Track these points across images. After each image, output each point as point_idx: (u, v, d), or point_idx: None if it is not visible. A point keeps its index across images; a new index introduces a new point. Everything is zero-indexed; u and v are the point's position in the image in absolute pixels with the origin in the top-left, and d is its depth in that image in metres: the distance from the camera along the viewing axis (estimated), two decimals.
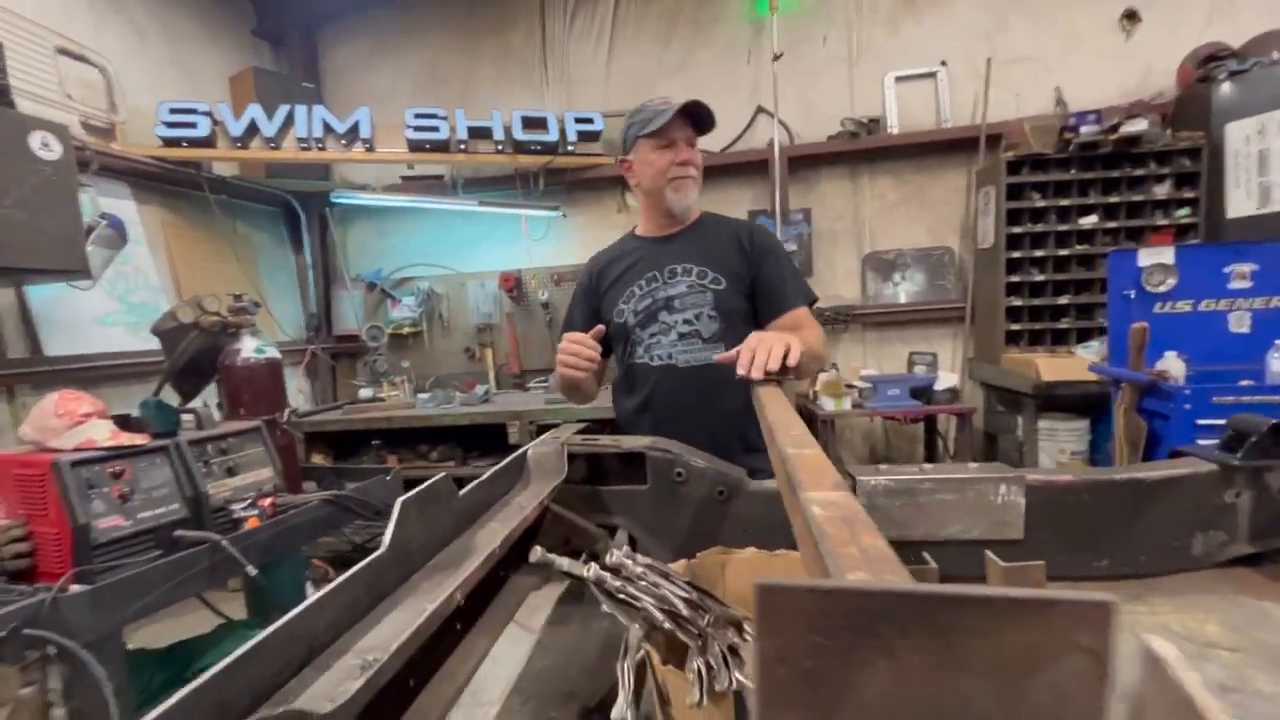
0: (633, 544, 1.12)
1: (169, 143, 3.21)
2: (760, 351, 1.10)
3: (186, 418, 1.88)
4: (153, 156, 3.21)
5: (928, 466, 1.09)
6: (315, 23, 4.44)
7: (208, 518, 1.72)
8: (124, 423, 1.78)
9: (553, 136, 3.68)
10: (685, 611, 0.70)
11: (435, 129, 3.56)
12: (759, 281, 1.54)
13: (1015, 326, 3.32)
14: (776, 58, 3.68)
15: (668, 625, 0.68)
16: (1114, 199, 3.20)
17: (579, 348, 1.37)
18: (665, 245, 1.60)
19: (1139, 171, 3.16)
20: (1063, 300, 3.28)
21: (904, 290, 3.88)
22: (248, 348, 2.08)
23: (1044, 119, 3.28)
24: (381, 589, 0.64)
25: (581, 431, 1.26)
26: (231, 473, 1.83)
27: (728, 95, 4.00)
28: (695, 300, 1.53)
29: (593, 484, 1.17)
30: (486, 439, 3.51)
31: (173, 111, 3.20)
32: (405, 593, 0.65)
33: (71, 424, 1.58)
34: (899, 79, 3.79)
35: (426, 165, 3.92)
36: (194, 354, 2.05)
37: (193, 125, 3.22)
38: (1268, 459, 1.04)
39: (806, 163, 3.87)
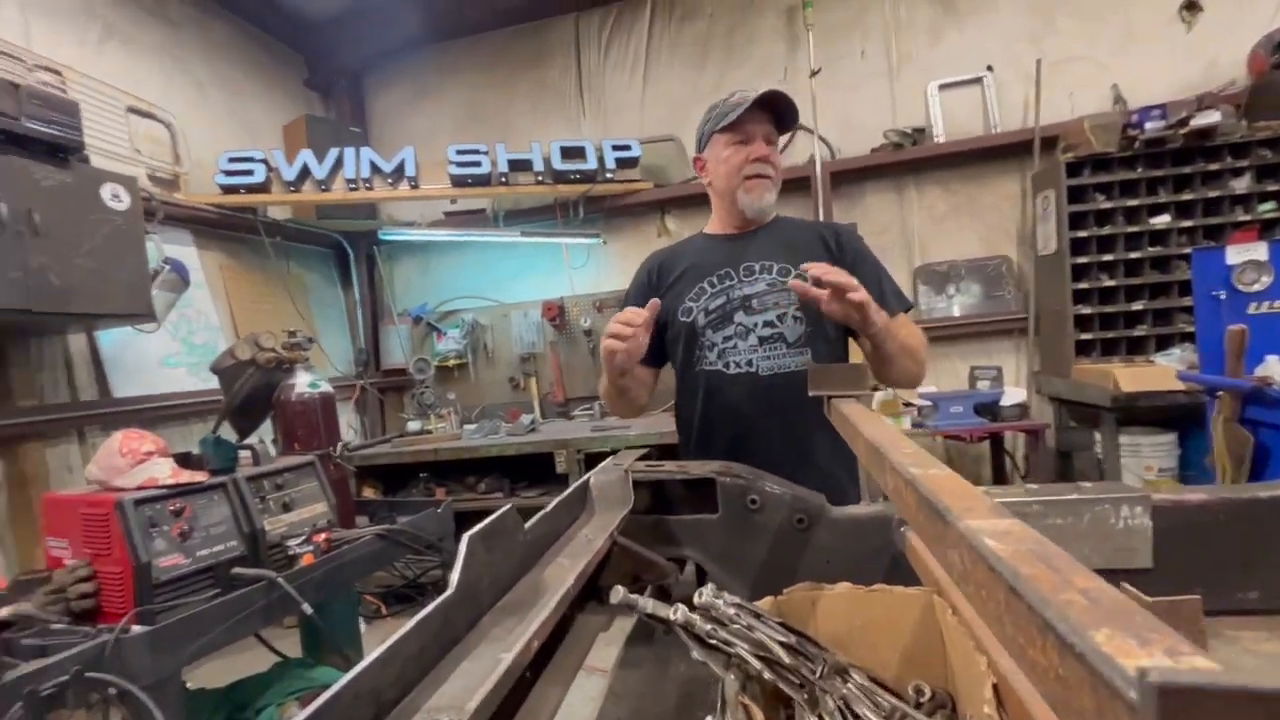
0: (702, 577, 1.04)
1: (227, 190, 3.35)
2: (830, 274, 1.08)
3: (244, 454, 1.90)
4: (212, 204, 3.35)
5: (1033, 486, 0.98)
6: (361, 71, 4.63)
7: (264, 554, 1.71)
8: (184, 460, 1.80)
9: (591, 165, 3.70)
10: (787, 659, 0.61)
11: (477, 163, 3.62)
12: None
13: (1085, 336, 3.13)
14: (814, 74, 3.64)
15: (768, 675, 0.60)
16: (1187, 196, 3.01)
17: (631, 316, 1.18)
18: (739, 241, 1.46)
19: (1214, 166, 2.97)
20: (1137, 306, 3.08)
21: (959, 303, 3.71)
22: (302, 383, 2.10)
23: (1104, 117, 3.13)
24: (452, 635, 0.58)
25: (643, 457, 1.20)
26: (287, 508, 1.83)
27: None
28: (778, 299, 1.38)
29: (658, 513, 1.09)
30: (533, 469, 3.48)
31: (231, 160, 3.34)
32: (476, 639, 0.59)
33: (135, 462, 1.59)
34: (943, 87, 3.70)
35: (469, 200, 3.99)
36: (251, 390, 2.08)
37: (249, 172, 3.36)
38: None
39: (849, 177, 3.79)
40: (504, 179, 3.68)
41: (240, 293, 3.65)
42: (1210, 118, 2.86)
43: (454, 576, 0.60)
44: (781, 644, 0.64)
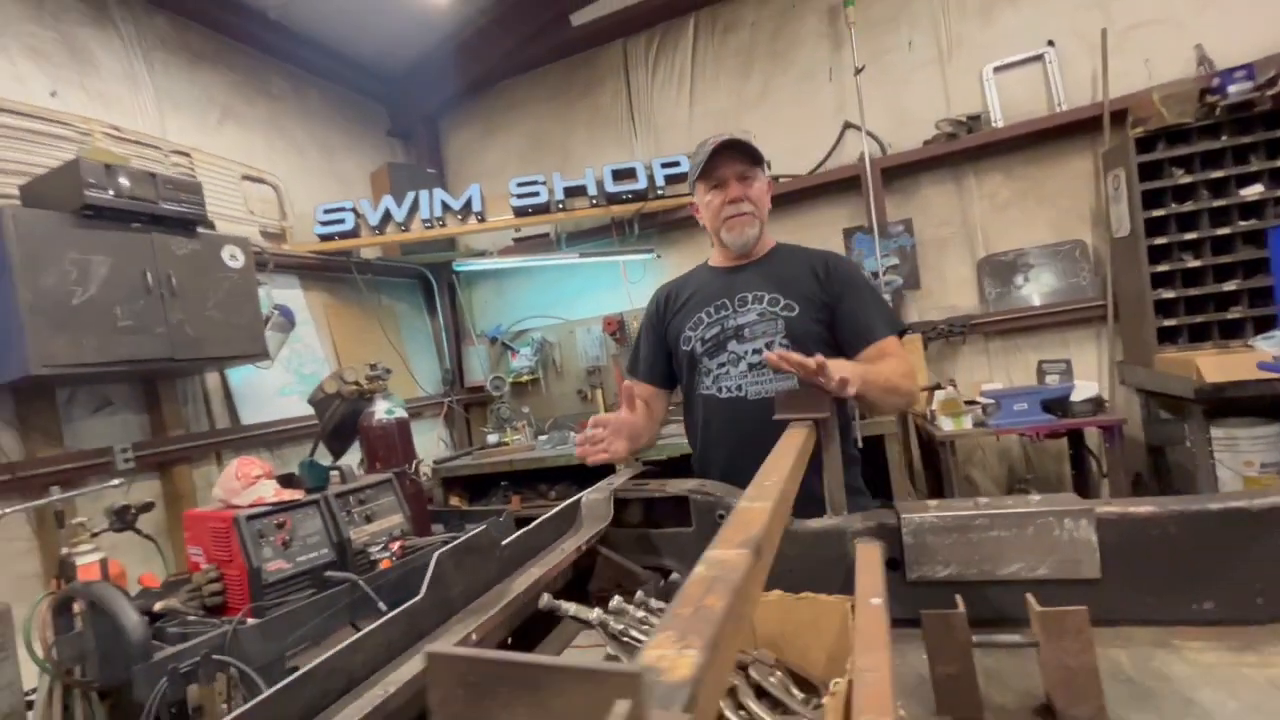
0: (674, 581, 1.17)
1: (324, 238, 3.82)
2: (789, 357, 1.11)
3: (334, 474, 2.23)
4: (312, 251, 3.84)
5: (983, 500, 1.04)
6: (436, 115, 5.07)
7: (350, 560, 2.01)
8: (287, 481, 2.14)
9: (641, 184, 3.87)
10: None
11: (536, 194, 3.89)
12: (840, 313, 1.49)
13: (1170, 322, 2.89)
14: (858, 71, 3.61)
15: None
16: None
17: (601, 420, 1.36)
18: (736, 274, 1.58)
19: None
20: (1230, 286, 2.81)
21: (1030, 292, 3.53)
22: (380, 410, 2.42)
23: (1175, 85, 2.89)
24: (420, 631, 0.76)
25: (639, 475, 1.34)
26: (369, 519, 2.12)
27: (813, 116, 3.96)
28: (766, 328, 1.49)
29: (646, 527, 1.23)
30: (600, 475, 3.67)
31: (325, 212, 3.81)
32: (440, 634, 0.77)
33: (247, 485, 1.94)
34: (998, 69, 3.54)
35: (532, 227, 4.28)
36: (340, 419, 2.42)
37: (341, 220, 3.81)
38: None
39: (902, 171, 3.71)
40: (561, 205, 3.93)
41: (341, 326, 4.14)
42: None
43: (423, 587, 0.78)
44: None
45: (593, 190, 3.91)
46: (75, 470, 2.61)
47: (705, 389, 1.54)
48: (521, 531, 1.02)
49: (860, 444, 1.61)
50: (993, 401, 2.97)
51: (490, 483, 4.00)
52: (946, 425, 3.03)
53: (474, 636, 0.73)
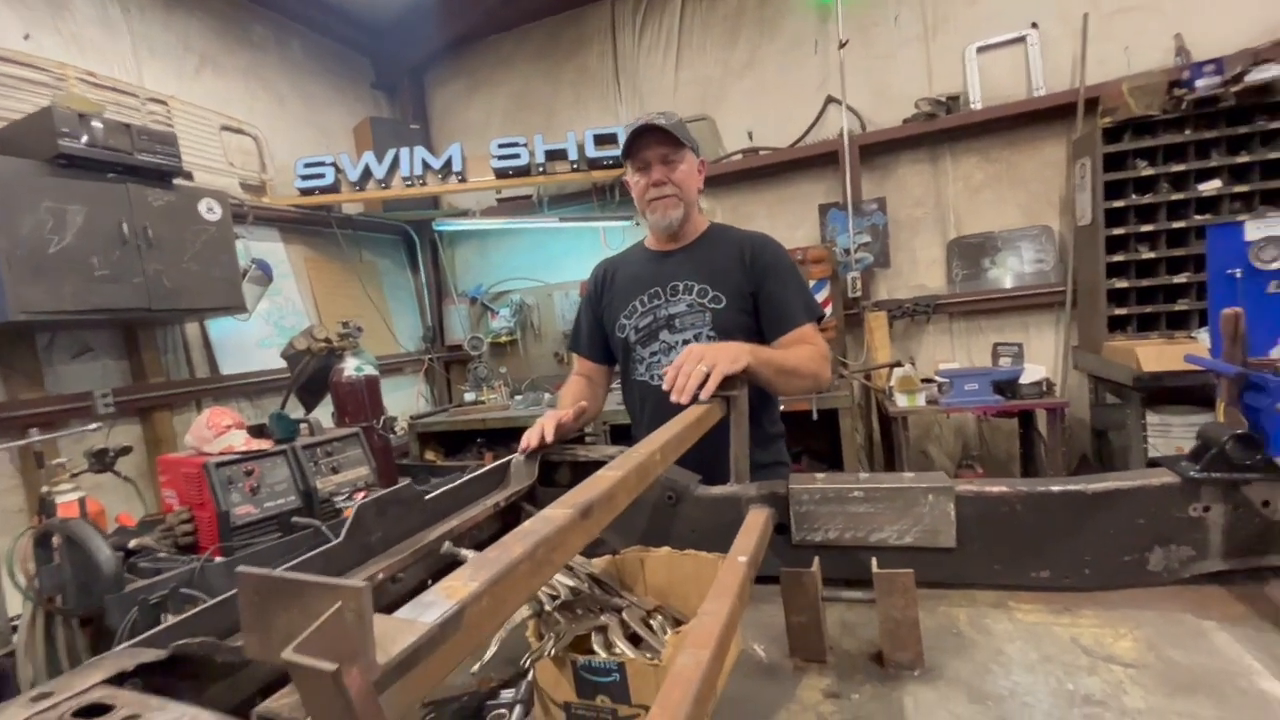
0: (600, 541, 1.29)
1: (304, 192, 3.84)
2: (681, 377, 1.19)
3: (304, 426, 2.34)
4: (293, 205, 3.86)
5: (863, 475, 1.15)
6: (421, 69, 5.01)
7: (317, 507, 2.14)
8: (259, 431, 2.25)
9: (621, 151, 3.88)
10: (564, 596, 0.86)
11: (517, 155, 3.91)
12: (761, 298, 1.54)
13: (1121, 311, 3.00)
14: (842, 45, 3.60)
15: (548, 607, 0.85)
16: (1244, 159, 2.78)
17: (536, 433, 1.34)
18: (670, 259, 1.62)
19: (1276, 124, 2.72)
20: (1180, 279, 2.91)
21: (996, 275, 3.62)
22: (350, 367, 2.51)
23: (1145, 77, 2.91)
24: (337, 570, 0.87)
25: (571, 440, 1.45)
26: (335, 471, 2.25)
27: (796, 88, 3.96)
28: (694, 320, 1.56)
29: (573, 486, 1.35)
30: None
31: (306, 166, 3.82)
32: (356, 573, 0.88)
33: (217, 434, 2.04)
34: (981, 49, 3.54)
35: (514, 189, 4.30)
36: (311, 373, 2.51)
37: (321, 175, 3.83)
38: (1236, 471, 0.98)
39: (881, 149, 3.74)
40: (542, 169, 3.95)
41: (321, 280, 4.19)
42: (1269, 71, 2.61)
43: (343, 531, 0.89)
44: (570, 588, 0.89)
45: (574, 154, 3.93)
46: (56, 413, 2.71)
47: (639, 375, 1.63)
48: (447, 487, 1.13)
49: (780, 423, 1.69)
50: (946, 380, 3.09)
51: (466, 439, 4.13)
52: (901, 401, 3.15)
53: (380, 575, 0.84)
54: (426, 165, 3.93)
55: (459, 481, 1.17)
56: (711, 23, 4.14)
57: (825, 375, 1.46)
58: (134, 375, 3.08)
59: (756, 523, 1.08)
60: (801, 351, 1.45)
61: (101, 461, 2.29)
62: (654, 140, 1.51)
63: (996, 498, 1.05)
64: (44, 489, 2.12)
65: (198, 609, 0.75)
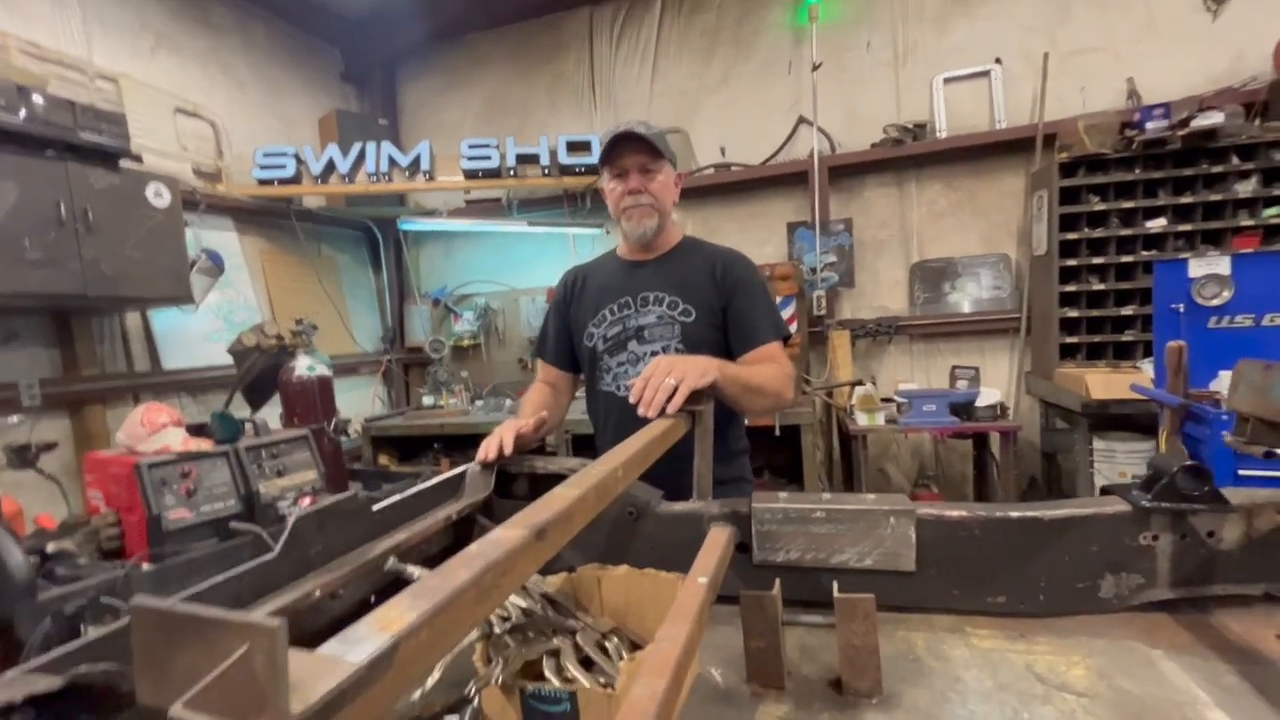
0: (557, 557, 1.25)
1: (263, 182, 3.69)
2: (649, 390, 1.17)
3: (249, 426, 2.22)
4: (250, 195, 3.71)
5: (826, 496, 1.14)
6: (394, 64, 4.91)
7: (259, 512, 2.03)
8: (199, 430, 2.13)
9: (596, 158, 3.86)
10: (516, 618, 0.82)
11: (487, 157, 3.84)
12: (730, 314, 1.54)
13: (1071, 339, 3.11)
14: (815, 67, 3.67)
15: (497, 629, 0.81)
16: (1187, 199, 2.92)
17: (495, 443, 1.30)
18: (641, 269, 1.61)
19: (1218, 168, 2.87)
20: (1127, 310, 3.03)
21: (956, 300, 3.71)
22: (301, 365, 2.41)
23: (1099, 116, 3.05)
24: (271, 585, 0.81)
25: (530, 451, 1.40)
26: (280, 474, 2.14)
27: (769, 107, 4.02)
28: (664, 332, 1.54)
29: (531, 500, 1.30)
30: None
31: (265, 155, 3.68)
32: (291, 589, 0.82)
33: (152, 432, 1.92)
34: (948, 80, 3.65)
35: (483, 191, 4.23)
36: (260, 371, 2.40)
37: (282, 166, 3.69)
38: (1184, 502, 1.00)
39: (849, 171, 3.81)
40: (512, 171, 3.89)
41: (277, 275, 4.04)
42: (1212, 119, 2.76)
43: (279, 544, 0.83)
44: (522, 609, 0.84)
45: (545, 160, 3.89)
46: None
47: (606, 385, 1.60)
48: (397, 497, 1.08)
49: (745, 439, 1.68)
50: (905, 400, 3.15)
51: (423, 444, 4.02)
52: (861, 420, 3.19)
53: (316, 592, 0.79)
54: (393, 162, 3.83)
55: (410, 491, 1.11)
56: (689, 38, 4.17)
57: (788, 395, 1.46)
58: (65, 366, 2.89)
59: (718, 542, 1.05)
60: (767, 370, 1.44)
61: (22, 458, 2.15)
62: (633, 148, 1.50)
63: (956, 522, 1.05)
64: None
65: (118, 624, 0.68)
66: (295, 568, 0.85)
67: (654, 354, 1.54)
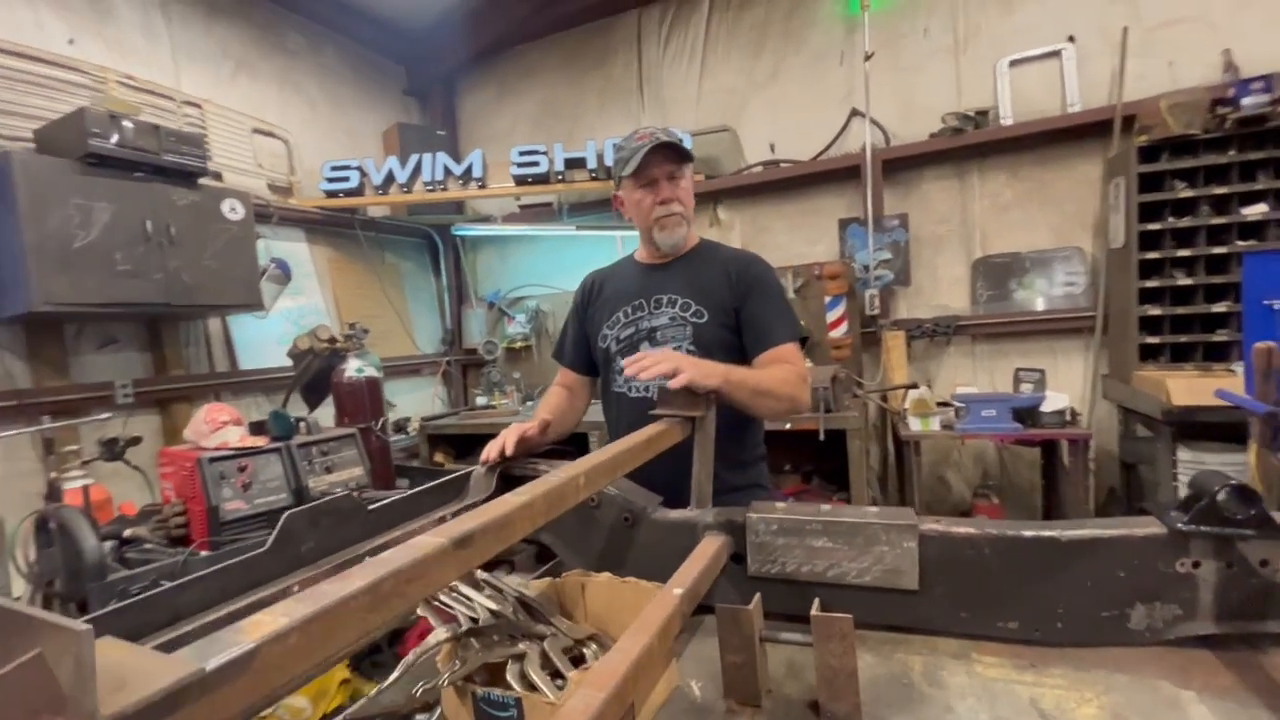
0: (552, 556, 1.26)
1: (330, 194, 3.93)
2: (647, 360, 1.19)
3: (302, 424, 2.37)
4: (318, 206, 3.96)
5: (825, 508, 1.09)
6: (453, 77, 5.10)
7: None
8: (258, 428, 2.29)
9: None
10: (484, 620, 0.83)
11: (536, 163, 3.93)
12: (744, 316, 1.52)
13: (1153, 339, 2.83)
14: (868, 57, 3.53)
15: (463, 627, 0.82)
16: None
17: (498, 446, 1.31)
18: (656, 273, 1.62)
19: None
20: (1220, 308, 2.73)
21: (1023, 298, 3.47)
22: (351, 368, 2.54)
23: (1186, 94, 2.76)
24: (259, 579, 0.86)
25: (537, 454, 1.42)
26: (329, 470, 2.27)
27: (820, 101, 3.89)
28: (676, 333, 1.54)
29: None
30: (577, 444, 3.79)
31: (332, 169, 3.91)
32: (278, 584, 0.86)
33: (214, 429, 2.08)
34: (1014, 63, 3.41)
35: (534, 196, 4.33)
36: (315, 373, 2.55)
37: (346, 179, 3.91)
38: (1227, 526, 0.89)
39: (905, 164, 3.63)
40: (560, 176, 3.96)
41: (343, 281, 4.28)
42: None
43: (269, 540, 0.88)
44: (492, 611, 0.86)
45: (592, 163, 3.92)
46: (79, 401, 2.80)
47: (618, 386, 1.60)
48: (396, 497, 1.12)
49: (762, 445, 1.64)
50: (963, 405, 2.97)
51: (476, 443, 4.12)
52: (914, 425, 3.04)
53: (295, 588, 0.83)
54: (448, 171, 3.98)
55: (411, 492, 1.15)
56: (737, 33, 4.11)
57: (803, 398, 1.41)
58: (155, 368, 3.18)
59: (706, 552, 1.03)
60: (778, 373, 1.40)
61: (111, 450, 2.37)
62: (660, 156, 1.49)
63: (963, 540, 0.98)
64: (52, 475, 2.19)
65: (119, 605, 0.75)
66: (286, 564, 0.90)
67: None
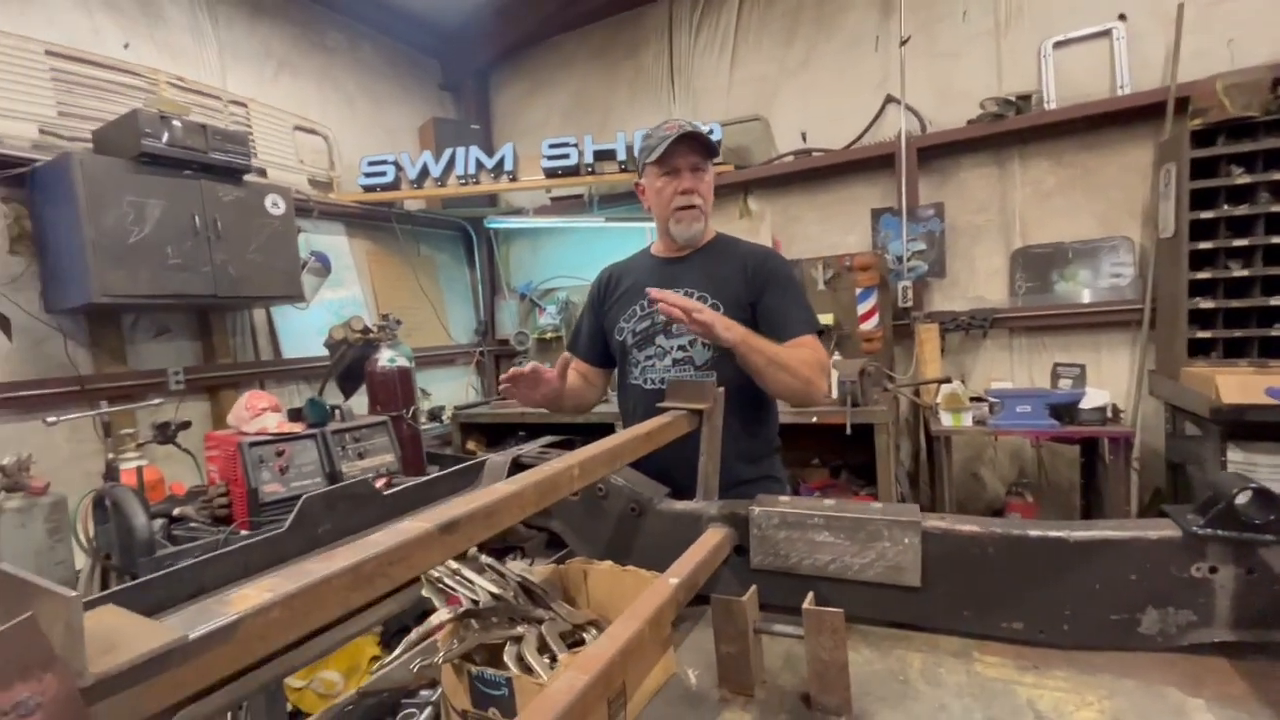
0: (562, 544, 1.29)
1: (367, 189, 4.04)
2: (674, 298, 1.27)
3: (337, 411, 2.46)
4: (356, 201, 4.08)
5: (828, 503, 1.09)
6: (486, 70, 5.17)
7: None
8: (296, 415, 2.39)
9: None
10: (485, 602, 0.87)
11: (566, 156, 3.96)
12: (760, 308, 1.52)
13: (1204, 334, 2.70)
14: (904, 42, 3.43)
15: (460, 609, 0.86)
16: None
17: (513, 374, 1.45)
18: (672, 267, 1.62)
19: None
20: (1277, 301, 2.58)
21: (1065, 290, 3.34)
22: (384, 357, 2.63)
23: (1245, 73, 2.60)
24: (277, 559, 0.91)
25: (551, 444, 1.46)
26: (361, 456, 2.36)
27: (854, 88, 3.80)
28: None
29: None
30: (603, 434, 3.84)
31: (369, 164, 4.03)
32: (296, 562, 0.91)
33: (254, 415, 2.19)
34: (1059, 44, 3.26)
35: (565, 188, 4.36)
36: (350, 362, 2.65)
37: (383, 173, 4.02)
38: (1246, 530, 0.86)
39: (941, 152, 3.53)
40: (590, 169, 3.98)
41: (381, 273, 4.41)
42: None
43: (288, 521, 0.93)
44: (493, 594, 0.89)
45: (622, 155, 3.93)
46: (135, 387, 2.98)
47: (634, 379, 1.62)
48: (412, 484, 1.16)
49: (777, 438, 1.64)
50: (997, 400, 2.89)
51: (507, 431, 4.23)
52: (945, 420, 2.97)
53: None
54: (480, 164, 4.05)
55: (426, 478, 1.19)
56: (769, 20, 4.04)
57: (820, 384, 1.41)
58: (205, 356, 3.35)
59: (707, 543, 1.04)
60: (799, 353, 1.42)
61: (164, 434, 2.51)
62: (687, 147, 1.50)
63: (968, 538, 0.97)
64: (110, 456, 2.34)
65: (148, 578, 0.81)
66: (303, 544, 0.96)
67: (680, 348, 1.57)
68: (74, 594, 0.33)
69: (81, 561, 2.23)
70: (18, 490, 1.93)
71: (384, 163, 4.05)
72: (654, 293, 1.29)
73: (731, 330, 1.24)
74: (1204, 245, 2.66)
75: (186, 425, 2.63)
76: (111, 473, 2.29)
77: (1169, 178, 2.80)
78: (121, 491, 1.87)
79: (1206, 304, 2.67)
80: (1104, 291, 3.26)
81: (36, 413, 2.56)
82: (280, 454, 2.15)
